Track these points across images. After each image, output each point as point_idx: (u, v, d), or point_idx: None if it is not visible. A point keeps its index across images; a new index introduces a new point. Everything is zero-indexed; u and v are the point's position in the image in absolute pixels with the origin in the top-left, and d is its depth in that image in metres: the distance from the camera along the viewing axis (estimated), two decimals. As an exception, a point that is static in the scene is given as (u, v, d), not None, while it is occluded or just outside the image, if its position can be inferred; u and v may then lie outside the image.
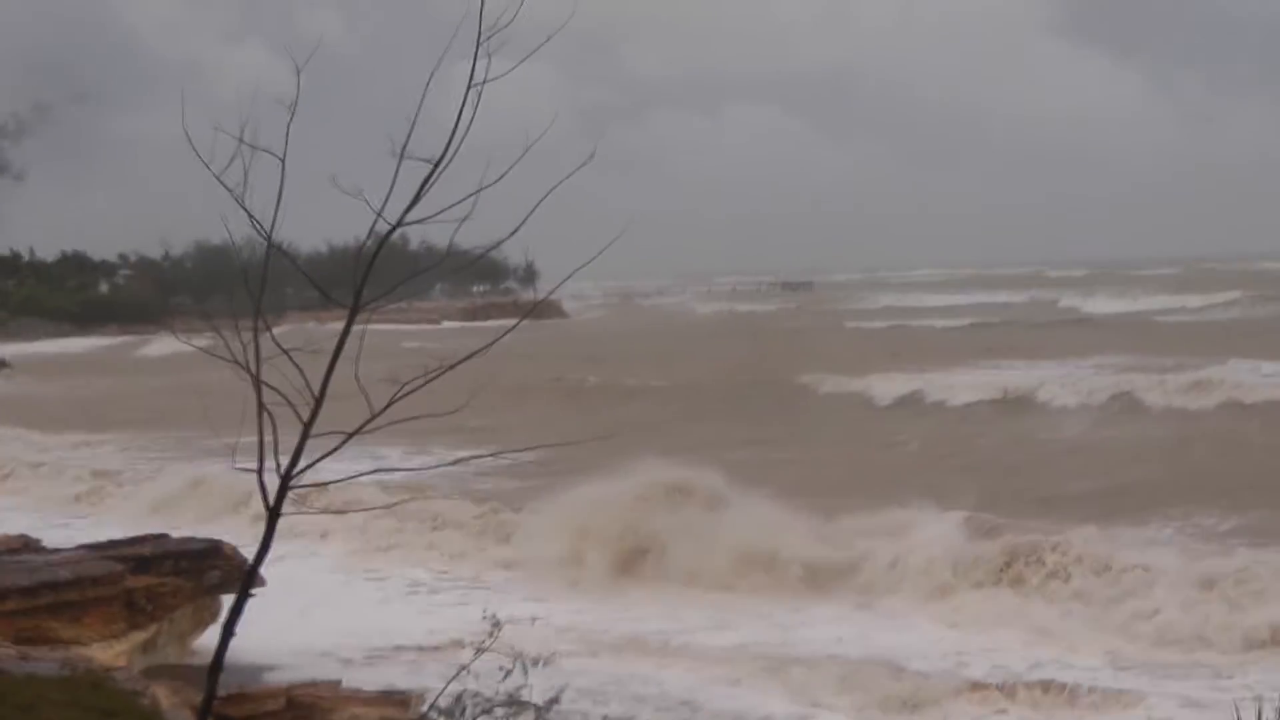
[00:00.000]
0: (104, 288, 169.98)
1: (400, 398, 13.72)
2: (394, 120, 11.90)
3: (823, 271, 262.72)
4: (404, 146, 11.95)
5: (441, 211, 13.46)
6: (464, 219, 12.93)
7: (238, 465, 14.15)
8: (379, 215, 12.94)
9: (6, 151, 14.82)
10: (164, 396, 72.95)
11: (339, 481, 14.27)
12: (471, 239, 13.95)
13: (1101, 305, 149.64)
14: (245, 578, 15.04)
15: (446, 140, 11.95)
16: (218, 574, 33.16)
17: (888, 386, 70.01)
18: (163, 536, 35.53)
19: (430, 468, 16.36)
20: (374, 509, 35.16)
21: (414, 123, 11.85)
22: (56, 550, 35.28)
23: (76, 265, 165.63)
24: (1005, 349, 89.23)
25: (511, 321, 14.47)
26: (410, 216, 13.29)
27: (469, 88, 12.41)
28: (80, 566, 32.71)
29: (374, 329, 14.08)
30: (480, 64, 12.02)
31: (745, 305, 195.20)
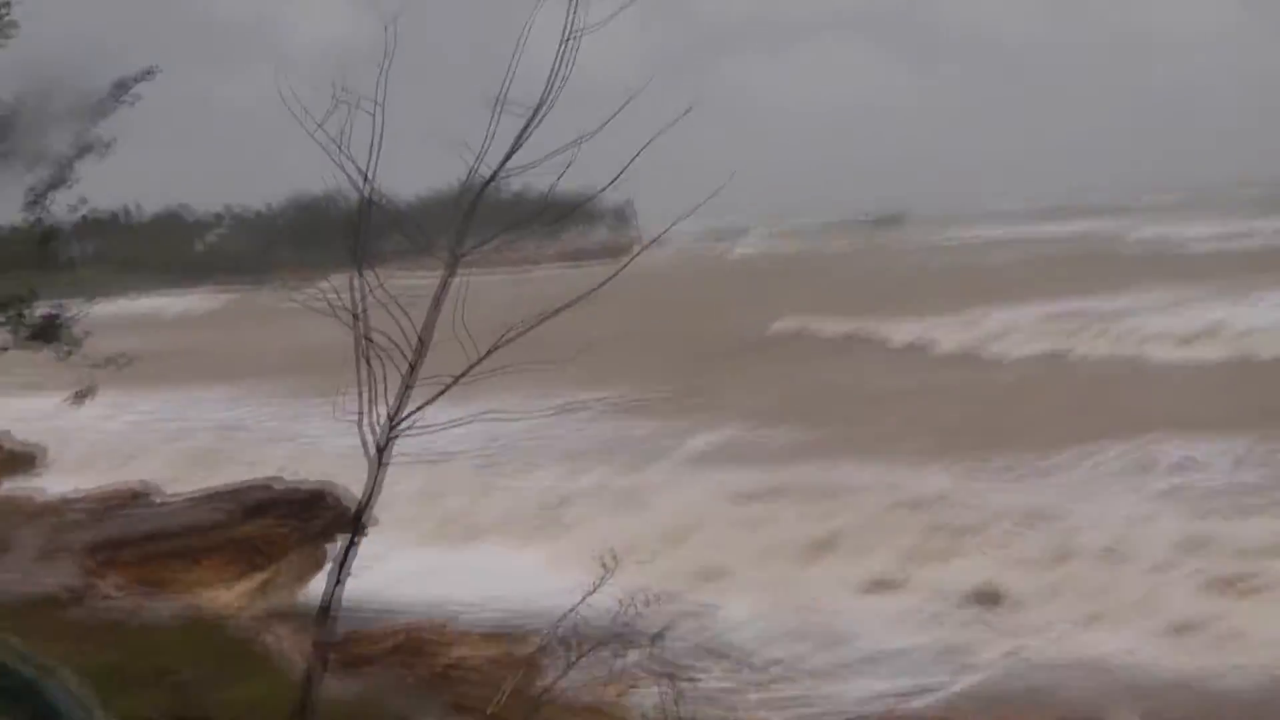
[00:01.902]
0: (210, 240, 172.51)
1: (503, 344, 14.00)
2: (480, 70, 12.03)
3: (915, 204, 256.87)
4: (502, 96, 12.14)
5: (545, 158, 13.61)
6: (567, 167, 13.12)
7: (343, 414, 14.56)
8: (478, 161, 13.18)
9: (89, 133, 15.27)
10: (268, 350, 74.06)
11: (443, 427, 14.60)
12: (561, 184, 14.08)
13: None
14: (353, 523, 15.44)
15: (536, 88, 12.07)
16: (326, 519, 33.62)
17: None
18: (270, 484, 36.27)
19: (533, 414, 16.63)
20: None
21: (511, 72, 12.01)
22: (176, 499, 36.30)
23: (179, 220, 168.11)
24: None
25: (604, 266, 14.63)
26: (509, 165, 13.54)
27: (566, 38, 12.55)
28: (195, 514, 33.76)
29: (474, 278, 14.35)
30: (569, 13, 12.15)
31: (807, 243, 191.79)
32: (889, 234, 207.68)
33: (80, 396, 19.33)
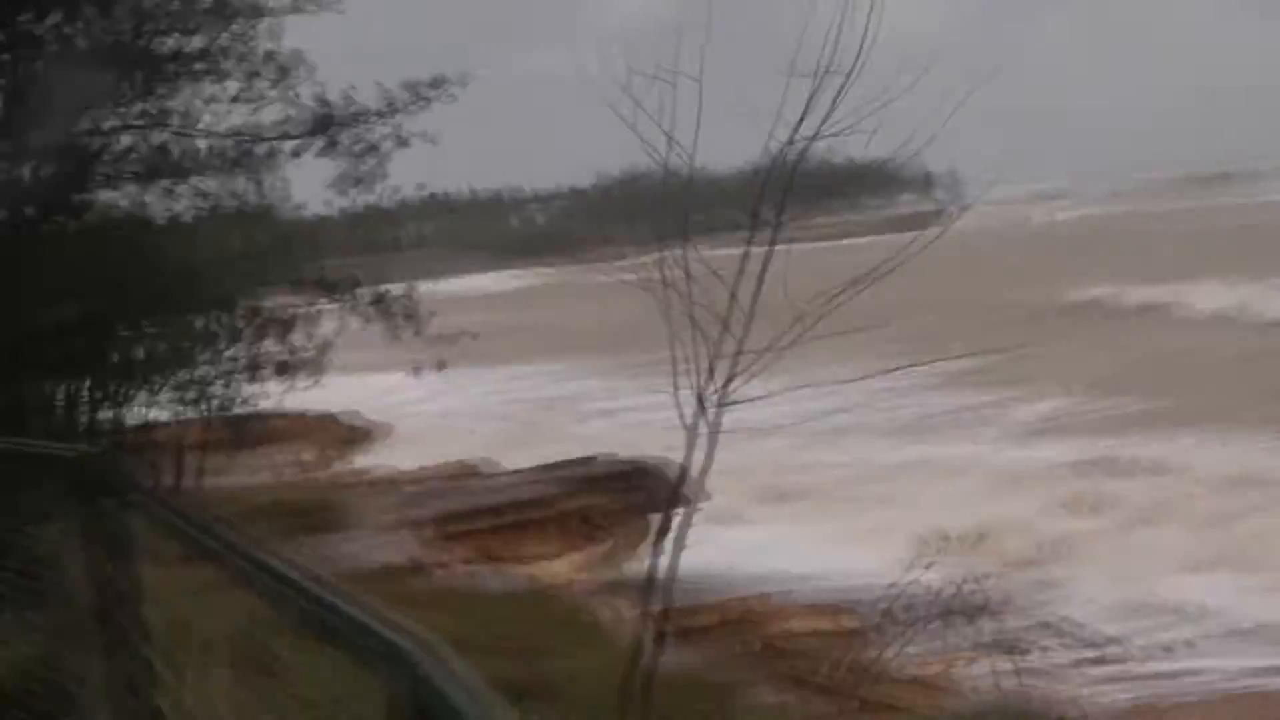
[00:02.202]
0: (534, 220, 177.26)
1: (818, 314, 13.88)
2: (775, 36, 11.88)
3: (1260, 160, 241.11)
4: (822, 62, 12.01)
5: (860, 122, 13.42)
6: (874, 131, 12.89)
7: (666, 386, 14.71)
8: (795, 129, 13.06)
9: (403, 127, 15.89)
10: (593, 323, 75.46)
11: (764, 399, 14.58)
12: (859, 150, 13.83)
13: None
14: (680, 495, 15.61)
15: (829, 52, 11.89)
16: (653, 492, 34.03)
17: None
18: (598, 458, 37.06)
19: (858, 378, 16.42)
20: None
21: (823, 38, 11.86)
22: (504, 474, 37.53)
23: (511, 198, 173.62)
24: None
25: (917, 235, 14.30)
26: (809, 132, 13.38)
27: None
28: (525, 489, 34.87)
29: (789, 248, 14.24)
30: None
31: (1134, 205, 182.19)
32: (1229, 190, 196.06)
33: (435, 368, 20.13)
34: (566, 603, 26.23)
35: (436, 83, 16.55)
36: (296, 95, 16.56)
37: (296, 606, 2.59)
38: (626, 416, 49.56)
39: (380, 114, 16.40)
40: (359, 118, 16.26)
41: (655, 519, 31.94)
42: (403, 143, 16.61)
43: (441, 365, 19.93)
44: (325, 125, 16.20)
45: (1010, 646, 20.82)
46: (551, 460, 38.01)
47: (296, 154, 16.62)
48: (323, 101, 16.33)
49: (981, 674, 21.31)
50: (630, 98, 13.69)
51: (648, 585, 15.55)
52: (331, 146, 16.33)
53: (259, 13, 16.71)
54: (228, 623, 4.65)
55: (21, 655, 5.99)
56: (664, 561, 15.18)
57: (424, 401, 52.45)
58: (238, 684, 4.51)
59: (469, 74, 16.54)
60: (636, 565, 30.76)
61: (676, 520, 15.27)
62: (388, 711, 2.13)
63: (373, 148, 16.54)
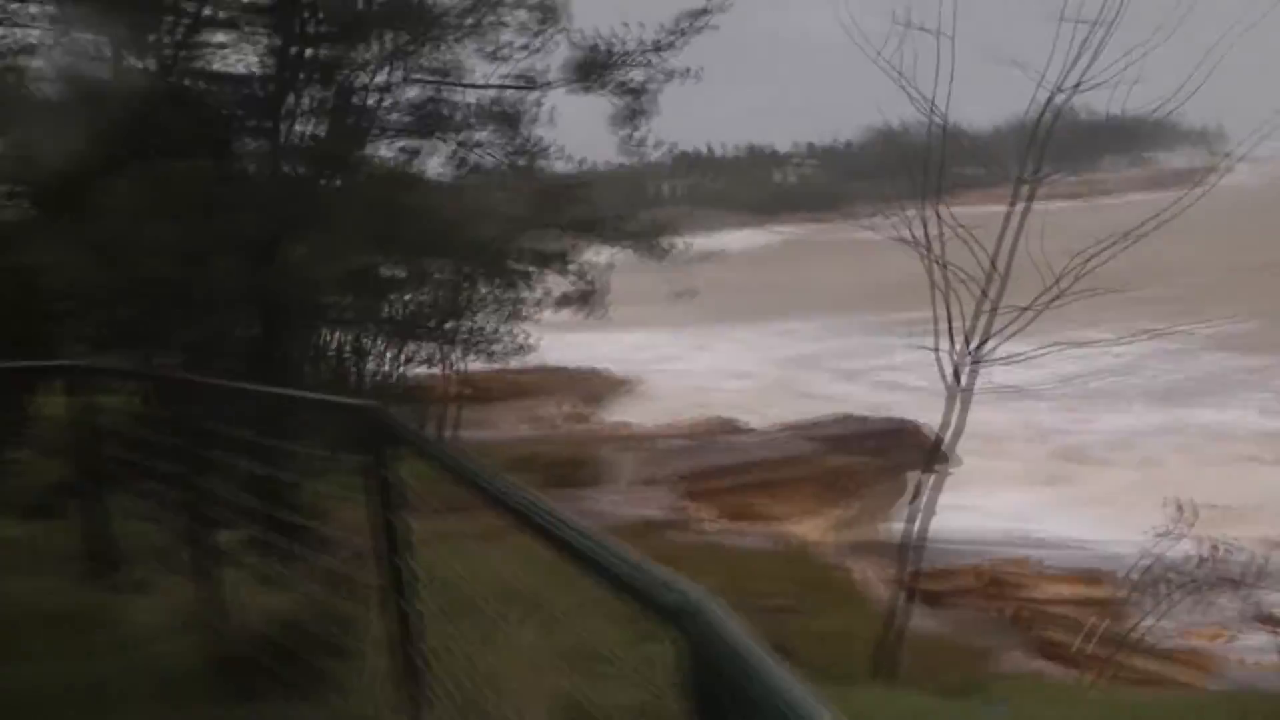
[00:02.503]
0: (787, 178, 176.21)
1: (1079, 272, 13.58)
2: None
3: None
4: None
5: (1122, 72, 13.07)
6: (1134, 83, 12.55)
7: (919, 344, 14.60)
8: (1060, 80, 12.80)
9: (667, 62, 15.95)
10: (846, 281, 74.80)
11: (1021, 359, 14.35)
12: (1116, 105, 13.41)
13: None
14: (934, 456, 15.50)
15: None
16: (906, 452, 33.74)
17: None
18: (852, 417, 36.91)
19: (1119, 341, 15.95)
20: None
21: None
22: (757, 431, 37.67)
23: (759, 157, 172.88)
24: None
25: (1184, 193, 13.85)
26: (1073, 83, 13.08)
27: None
28: (780, 446, 34.95)
29: (1043, 206, 13.97)
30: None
31: None
32: None
33: (682, 296, 20.29)
34: (818, 562, 26.21)
35: (697, 15, 16.55)
36: (563, 39, 16.78)
37: (574, 556, 2.72)
38: (879, 375, 49.14)
39: (645, 51, 16.49)
40: (625, 57, 16.39)
41: (908, 480, 31.82)
42: (669, 78, 16.67)
43: (690, 293, 20.03)
44: (593, 68, 16.39)
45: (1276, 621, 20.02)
46: (804, 418, 37.89)
47: (569, 92, 16.84)
48: (589, 45, 16.53)
49: (1247, 648, 20.57)
50: (885, 53, 13.65)
51: (903, 546, 15.50)
52: (599, 88, 16.50)
53: None
54: (498, 572, 4.84)
55: (302, 598, 6.34)
56: (919, 523, 15.12)
57: (676, 359, 52.86)
58: (506, 633, 4.71)
59: (728, 4, 16.48)
60: (887, 526, 30.63)
61: (933, 481, 15.19)
62: (677, 666, 2.21)
63: (638, 89, 16.65)
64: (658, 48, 16.68)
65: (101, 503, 8.23)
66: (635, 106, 17.03)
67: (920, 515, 15.09)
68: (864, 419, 37.01)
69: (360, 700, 5.19)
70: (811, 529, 30.90)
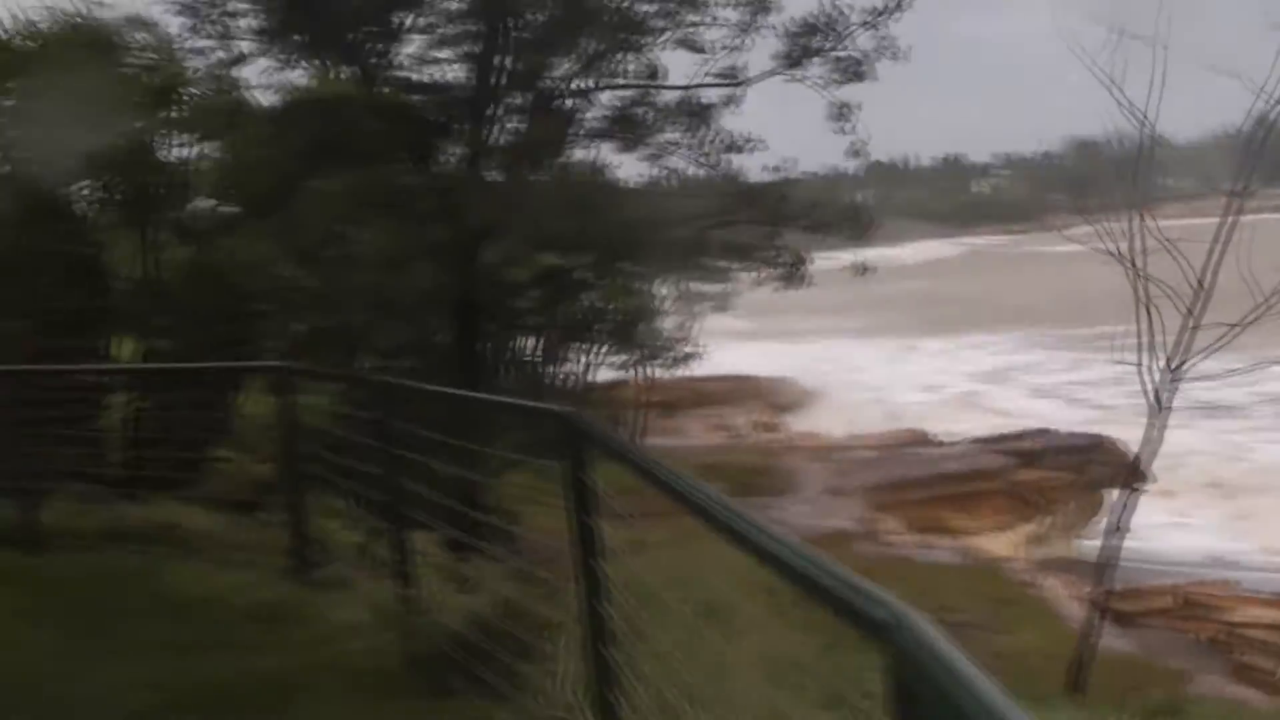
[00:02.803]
0: (980, 188, 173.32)
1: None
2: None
3: None
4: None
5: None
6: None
7: (1118, 359, 14.23)
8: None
9: (885, 32, 15.74)
10: (1040, 294, 73.26)
11: (1226, 376, 13.90)
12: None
13: None
14: (1132, 474, 15.09)
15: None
16: (1102, 469, 33.05)
17: None
18: (1045, 431, 36.17)
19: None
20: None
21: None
22: (947, 444, 37.14)
23: (953, 168, 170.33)
24: None
25: None
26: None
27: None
28: (970, 460, 34.42)
29: (1252, 219, 13.49)
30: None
31: None
32: None
33: (860, 270, 20.05)
34: (1008, 578, 25.80)
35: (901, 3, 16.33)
36: (769, 31, 16.70)
37: (777, 566, 2.71)
38: (1072, 390, 48.01)
39: (862, 23, 16.28)
40: (842, 29, 16.23)
41: (1102, 497, 31.03)
42: (878, 55, 16.42)
43: (864, 269, 19.83)
44: (807, 47, 16.26)
45: None
46: (995, 432, 37.30)
47: (784, 80, 16.70)
48: (803, 23, 16.42)
49: None
50: (1097, 61, 13.34)
51: (1099, 565, 15.14)
52: (814, 65, 16.37)
53: None
54: (693, 579, 4.85)
55: (496, 599, 6.42)
56: (1115, 541, 14.75)
57: (865, 370, 52.32)
58: (702, 641, 4.69)
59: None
60: (1079, 543, 29.93)
61: (1123, 500, 14.80)
62: (884, 682, 2.19)
63: (854, 65, 16.46)
64: (876, 16, 16.43)
65: (301, 500, 8.43)
66: (850, 79, 16.77)
67: (1114, 532, 14.70)
68: (1057, 434, 36.23)
69: (553, 703, 5.21)
70: (1001, 544, 30.43)
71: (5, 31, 16.22)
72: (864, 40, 16.69)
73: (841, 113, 17.33)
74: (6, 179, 17.04)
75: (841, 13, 16.53)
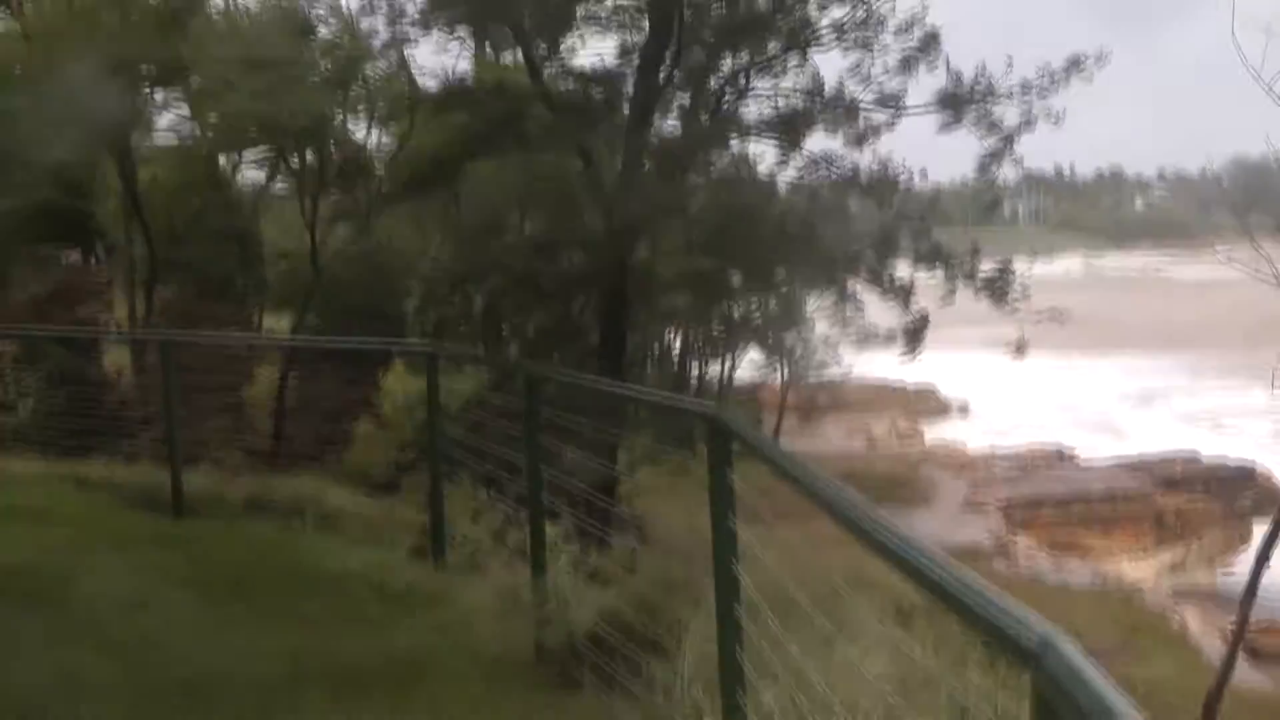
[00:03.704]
0: (1139, 204, 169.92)
1: None
2: None
3: None
4: None
5: None
6: None
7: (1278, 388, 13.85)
8: None
9: (1036, 105, 15.55)
10: (1195, 316, 71.67)
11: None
12: None
13: None
14: (1280, 506, 14.66)
15: None
16: (1252, 498, 32.36)
17: None
18: (1194, 456, 35.36)
19: None
20: None
21: None
22: (1090, 463, 36.47)
23: (1113, 182, 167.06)
24: None
25: None
26: None
27: None
28: (1112, 481, 33.69)
29: None
30: None
31: None
32: None
33: (1015, 349, 19.83)
34: (1145, 605, 25.25)
35: (1073, 63, 16.09)
36: (929, 67, 16.55)
37: (924, 584, 2.65)
38: (1222, 416, 46.82)
39: (1011, 95, 16.13)
40: (990, 96, 16.07)
41: (1250, 528, 30.19)
42: (1029, 125, 16.25)
43: (1022, 346, 19.53)
44: (956, 102, 16.11)
45: None
46: (1139, 454, 36.54)
47: (938, 128, 16.57)
48: (956, 77, 16.27)
49: None
50: (1264, 79, 12.97)
51: (1245, 596, 14.73)
52: (957, 121, 16.20)
53: None
54: (829, 585, 4.77)
55: (627, 593, 6.38)
56: (1260, 572, 14.35)
57: (1004, 383, 51.63)
58: (821, 647, 4.60)
59: (1107, 54, 15.94)
60: (1221, 573, 29.19)
61: (1272, 532, 14.38)
62: (1032, 707, 2.13)
63: (1005, 130, 16.29)
64: (1027, 90, 16.29)
65: (439, 483, 8.46)
66: (999, 147, 16.64)
67: (1259, 564, 14.29)
68: (1204, 460, 35.39)
69: (680, 704, 5.16)
70: (1139, 570, 29.88)
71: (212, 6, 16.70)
72: (1020, 101, 16.50)
73: (993, 160, 17.14)
74: (177, 149, 17.55)
75: (994, 79, 16.38)
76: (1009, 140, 16.57)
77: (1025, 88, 16.34)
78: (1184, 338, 66.42)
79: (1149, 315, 77.94)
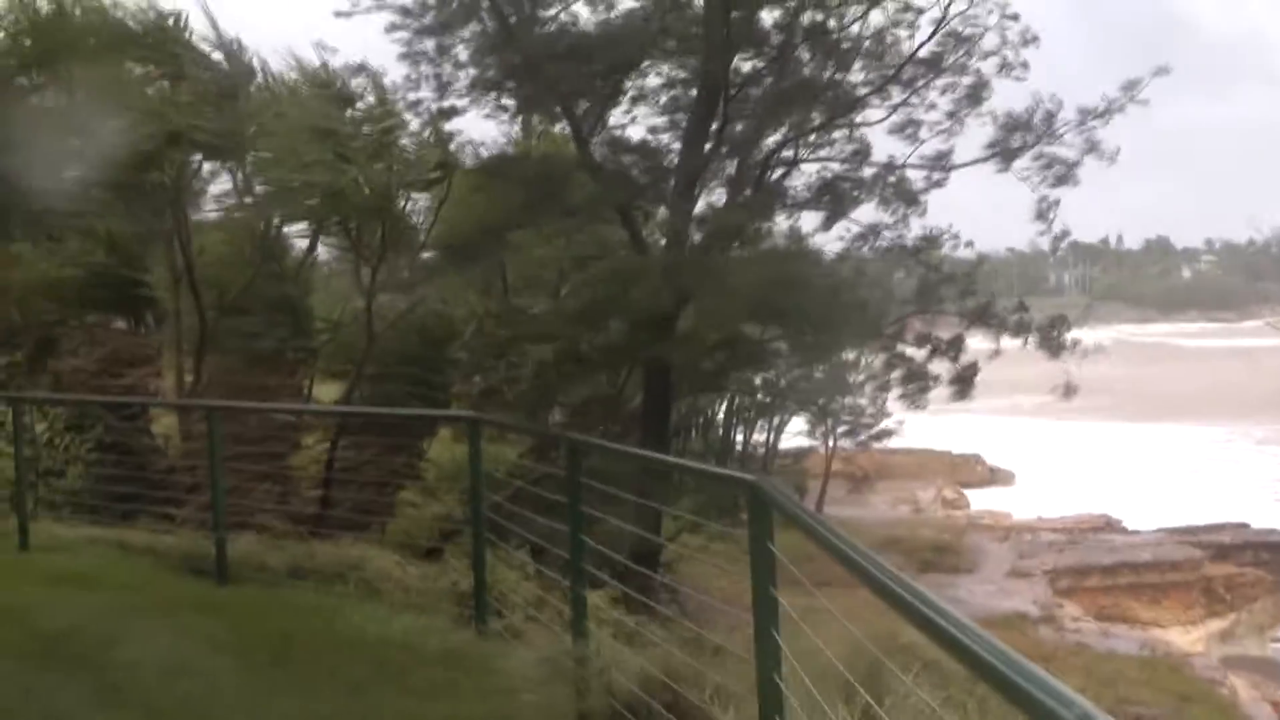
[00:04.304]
0: (1186, 273, 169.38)
1: None
2: None
3: None
4: None
5: None
6: None
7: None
8: None
9: (1096, 131, 15.55)
10: (1243, 386, 71.24)
11: None
12: None
13: None
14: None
15: None
16: (1304, 569, 32.20)
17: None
18: (1243, 525, 35.04)
19: None
20: None
21: None
22: (1137, 531, 36.13)
23: (1160, 251, 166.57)
24: None
25: None
26: None
27: None
28: (1160, 549, 33.36)
29: None
30: None
31: None
32: None
33: (1067, 393, 19.76)
34: (1195, 673, 24.93)
35: (1128, 90, 16.09)
36: (979, 121, 16.58)
37: (964, 657, 2.60)
38: (1273, 486, 46.32)
39: (1074, 124, 16.11)
40: (1048, 131, 16.07)
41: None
42: (1091, 151, 16.16)
43: (1073, 391, 19.48)
44: (1008, 144, 16.12)
45: None
46: (1187, 523, 36.22)
47: (994, 170, 16.57)
48: (1008, 118, 16.29)
49: None
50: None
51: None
52: (1023, 160, 16.21)
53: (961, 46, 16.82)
54: (869, 655, 4.72)
55: (670, 660, 6.34)
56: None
57: (1056, 451, 51.30)
58: (861, 717, 4.54)
59: (1168, 68, 15.92)
60: (1273, 642, 28.80)
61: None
62: None
63: (1064, 165, 16.27)
64: (1085, 120, 16.28)
65: (483, 549, 8.48)
66: (1058, 182, 16.60)
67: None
68: (1256, 529, 35.05)
69: (722, 774, 5.13)
70: (1188, 638, 29.57)
71: (260, 79, 16.89)
72: (1073, 139, 16.50)
73: (1044, 211, 17.14)
74: (229, 220, 17.75)
75: (1050, 113, 16.38)
76: (1068, 175, 16.56)
77: (1084, 114, 16.35)
78: (1235, 406, 66.02)
79: (1196, 383, 77.55)
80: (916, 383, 22.16)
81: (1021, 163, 16.69)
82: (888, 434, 28.37)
